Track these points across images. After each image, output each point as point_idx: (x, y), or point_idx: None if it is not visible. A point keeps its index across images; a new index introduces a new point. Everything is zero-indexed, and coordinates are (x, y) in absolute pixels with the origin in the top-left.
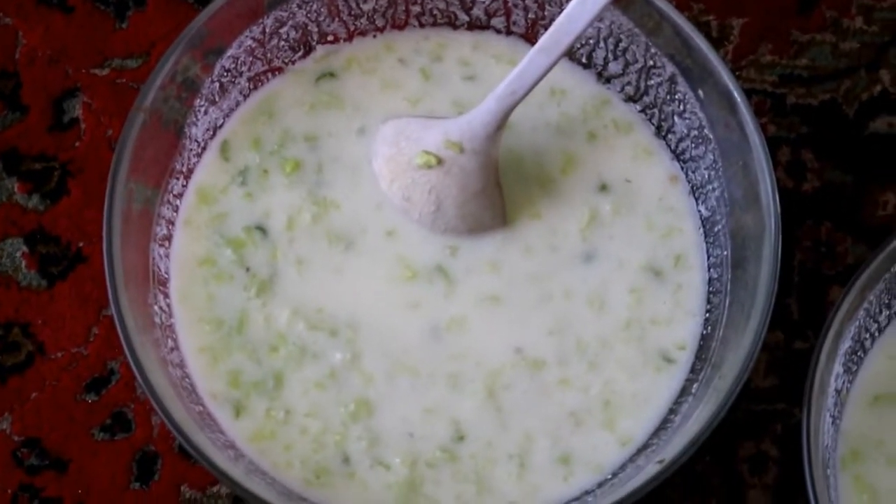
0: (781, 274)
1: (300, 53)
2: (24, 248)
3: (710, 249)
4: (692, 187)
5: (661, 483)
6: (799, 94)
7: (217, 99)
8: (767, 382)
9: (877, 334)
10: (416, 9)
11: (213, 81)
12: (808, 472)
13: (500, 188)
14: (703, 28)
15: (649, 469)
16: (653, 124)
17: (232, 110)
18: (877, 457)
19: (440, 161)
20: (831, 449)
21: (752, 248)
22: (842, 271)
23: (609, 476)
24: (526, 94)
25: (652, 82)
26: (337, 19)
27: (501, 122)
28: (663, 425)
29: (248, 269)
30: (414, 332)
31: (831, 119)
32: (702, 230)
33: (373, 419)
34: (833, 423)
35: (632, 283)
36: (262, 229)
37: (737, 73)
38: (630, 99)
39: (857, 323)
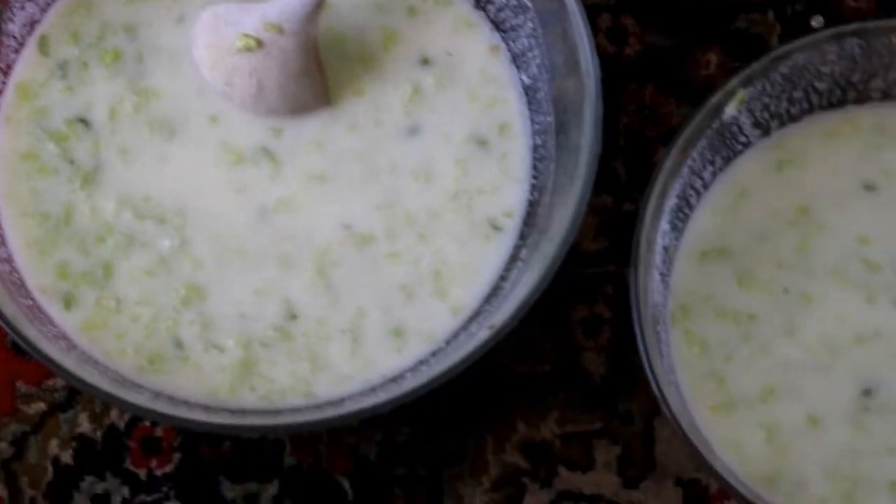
0: (607, 138)
1: None
2: None
3: (534, 117)
4: (513, 56)
5: (495, 349)
6: None
7: None
8: (597, 245)
9: (702, 190)
10: None
11: None
12: (638, 330)
13: (321, 68)
14: None
15: (481, 335)
16: None
17: (49, 5)
18: (705, 311)
19: (260, 43)
20: (661, 306)
21: (574, 112)
22: (666, 132)
23: (443, 345)
24: None
25: None
26: None
27: (320, 1)
28: (494, 292)
29: (72, 162)
30: (242, 215)
31: None
32: (525, 98)
33: (204, 303)
34: (662, 280)
35: (457, 154)
36: (84, 121)
37: None
38: None
39: (682, 180)
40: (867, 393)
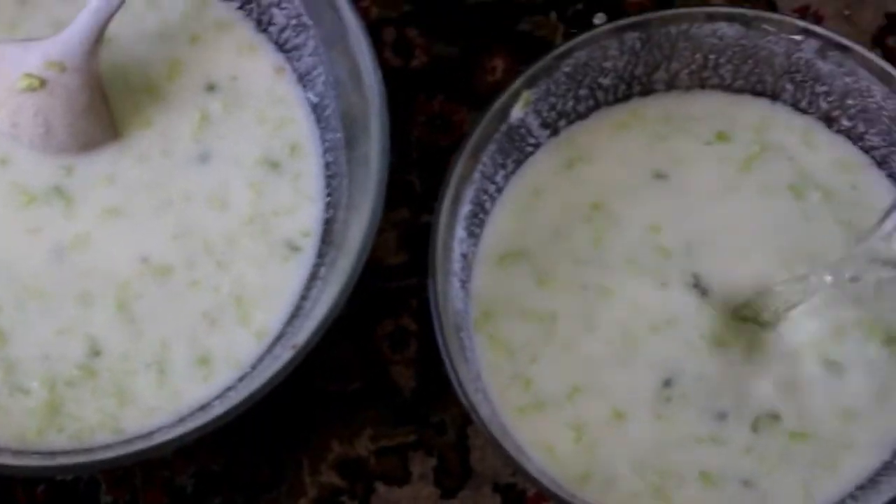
0: (400, 151)
1: None
2: None
3: (324, 134)
4: (299, 76)
5: (305, 370)
6: None
7: None
8: (399, 259)
9: (496, 195)
10: None
11: None
12: (440, 339)
13: (106, 102)
14: None
15: (284, 356)
16: (253, 19)
17: None
18: (508, 314)
19: (43, 82)
20: (464, 312)
21: (361, 127)
22: (459, 141)
23: (249, 370)
24: (119, 4)
25: None
26: None
27: (98, 36)
28: (296, 312)
29: None
30: (38, 256)
31: None
32: (313, 117)
33: (6, 347)
34: (462, 287)
35: (250, 178)
36: None
37: None
38: None
39: (475, 186)
40: (667, 383)
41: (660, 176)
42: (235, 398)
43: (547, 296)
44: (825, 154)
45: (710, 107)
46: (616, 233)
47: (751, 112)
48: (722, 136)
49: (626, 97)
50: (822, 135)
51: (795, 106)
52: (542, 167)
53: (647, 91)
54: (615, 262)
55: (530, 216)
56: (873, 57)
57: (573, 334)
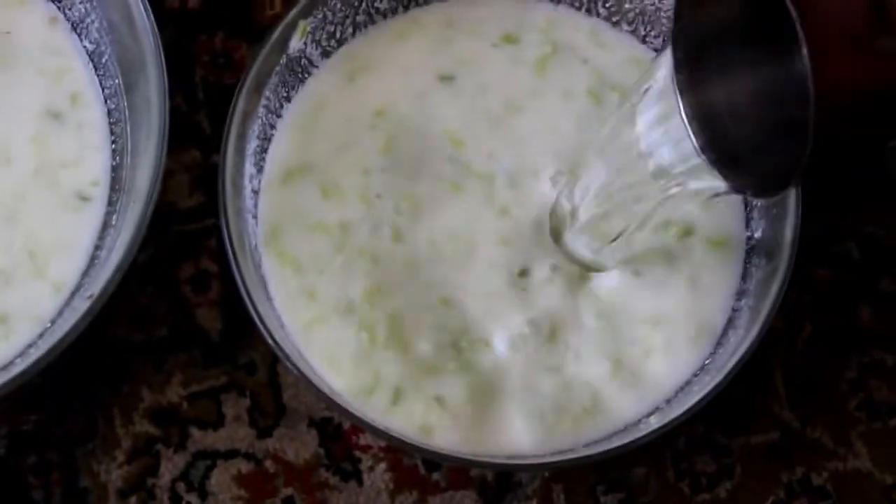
0: (185, 92)
1: None
2: None
3: (103, 81)
4: (73, 24)
5: (109, 321)
6: None
7: None
8: (194, 201)
9: (278, 121)
10: None
11: None
12: (238, 278)
13: None
14: None
15: (82, 307)
16: None
17: None
18: (295, 229)
19: None
20: (254, 237)
21: (139, 70)
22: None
23: (48, 324)
24: None
25: None
26: None
27: None
28: (92, 263)
29: None
30: None
31: None
32: (91, 65)
33: None
34: (254, 219)
35: (33, 132)
36: None
37: None
38: None
39: (260, 120)
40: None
41: (446, 77)
42: (36, 354)
43: (335, 207)
44: (616, 53)
45: (494, 11)
46: (406, 138)
47: (536, 14)
48: (510, 38)
49: (406, 9)
50: (610, 33)
51: (578, 9)
52: (323, 85)
53: (427, 2)
54: (408, 168)
55: (314, 133)
56: None
57: (367, 242)
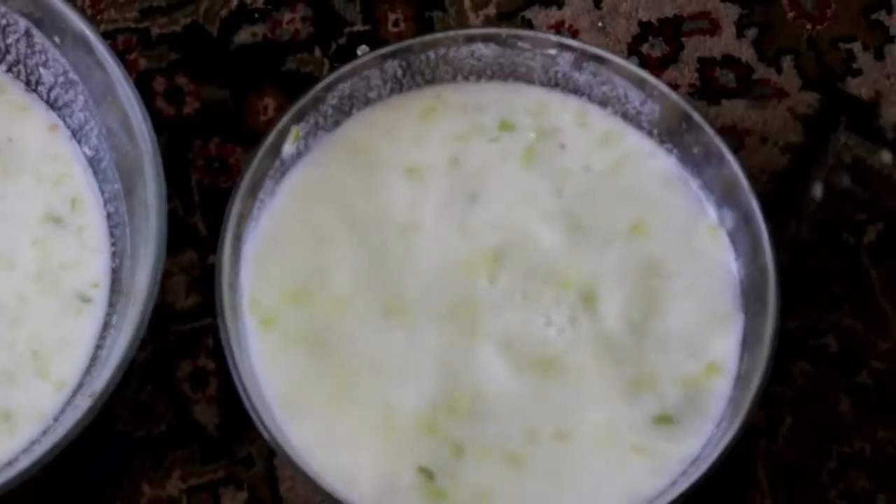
0: (181, 196)
1: None
2: None
3: (103, 186)
4: (72, 132)
5: (111, 418)
6: (162, 24)
7: None
8: (191, 301)
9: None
10: None
11: None
12: (235, 375)
13: None
14: None
15: (84, 405)
16: (22, 80)
17: None
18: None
19: None
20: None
21: (137, 175)
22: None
23: (51, 422)
24: None
25: (10, 40)
26: None
27: None
28: (93, 362)
29: None
30: None
31: (198, 41)
32: (91, 170)
33: None
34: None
35: (34, 236)
36: None
37: (96, 17)
38: None
39: (255, 223)
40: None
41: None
42: (40, 450)
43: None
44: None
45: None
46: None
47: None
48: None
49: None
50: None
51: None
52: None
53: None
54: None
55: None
56: (626, 63)
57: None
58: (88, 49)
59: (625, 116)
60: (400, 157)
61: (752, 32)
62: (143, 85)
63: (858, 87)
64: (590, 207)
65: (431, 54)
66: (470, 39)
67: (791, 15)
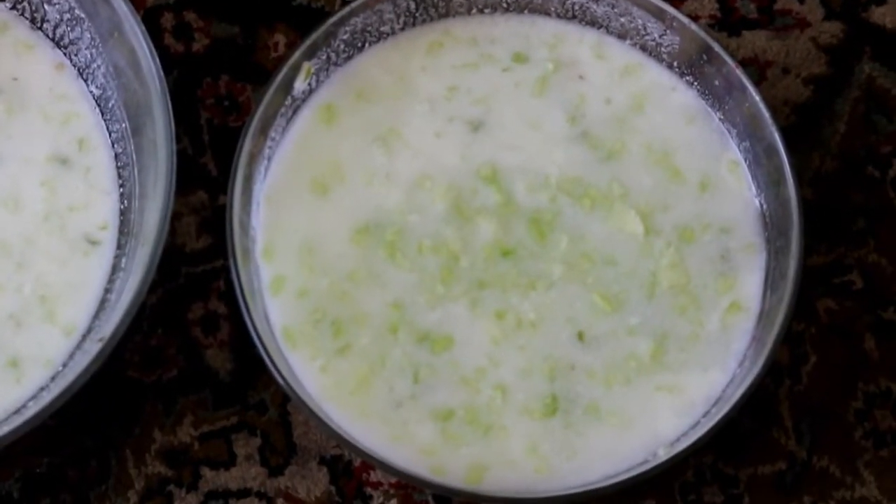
0: (191, 135)
1: None
2: None
3: (110, 126)
4: (79, 70)
5: (121, 363)
6: None
7: None
8: (202, 243)
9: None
10: None
11: None
12: (249, 322)
13: None
14: None
15: (93, 349)
16: (27, 18)
17: None
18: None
19: None
20: (263, 277)
21: (146, 114)
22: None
23: (60, 368)
24: None
25: None
26: None
27: None
28: (102, 306)
29: None
30: None
31: None
32: (98, 109)
33: None
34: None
35: (41, 177)
36: None
37: None
38: None
39: (266, 162)
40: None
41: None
42: (48, 397)
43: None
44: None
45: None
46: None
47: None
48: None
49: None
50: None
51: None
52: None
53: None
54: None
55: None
56: None
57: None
58: None
59: (644, 49)
60: (404, 90)
61: None
62: (150, 21)
63: (883, 16)
64: (610, 133)
65: None
66: None
67: None
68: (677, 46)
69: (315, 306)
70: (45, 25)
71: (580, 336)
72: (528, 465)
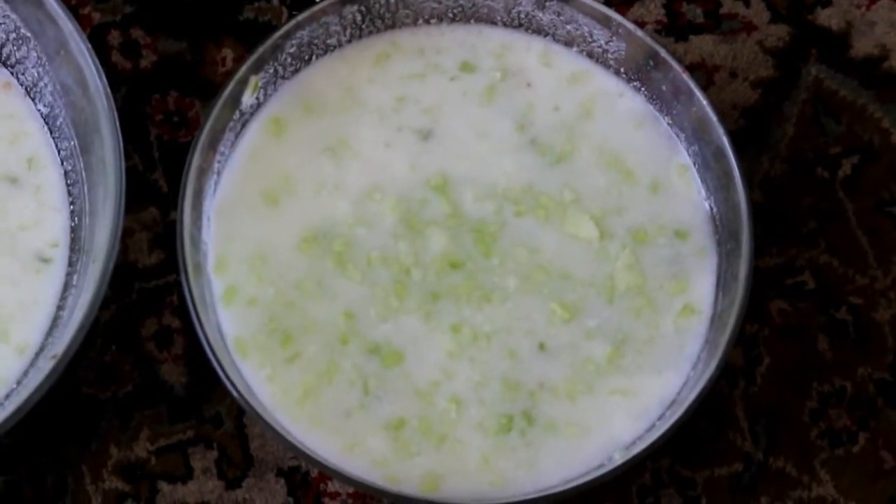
0: (141, 151)
1: None
2: None
3: (59, 144)
4: (26, 89)
5: (76, 381)
6: None
7: None
8: (154, 259)
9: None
10: None
11: None
12: (201, 335)
13: None
14: None
15: (46, 367)
16: None
17: None
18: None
19: None
20: (210, 293)
21: (94, 132)
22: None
23: (14, 385)
24: None
25: None
26: None
27: None
28: (55, 323)
29: None
30: None
31: None
32: (46, 128)
33: None
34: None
35: None
36: None
37: None
38: None
39: (216, 177)
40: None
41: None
42: (2, 416)
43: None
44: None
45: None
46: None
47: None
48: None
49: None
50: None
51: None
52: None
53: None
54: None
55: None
56: (590, 1)
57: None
58: (39, 4)
59: (591, 56)
60: (352, 101)
61: None
62: (97, 39)
63: (829, 18)
64: (559, 140)
65: None
66: None
67: None
68: (624, 53)
69: (265, 315)
70: None
71: (541, 347)
72: (483, 477)
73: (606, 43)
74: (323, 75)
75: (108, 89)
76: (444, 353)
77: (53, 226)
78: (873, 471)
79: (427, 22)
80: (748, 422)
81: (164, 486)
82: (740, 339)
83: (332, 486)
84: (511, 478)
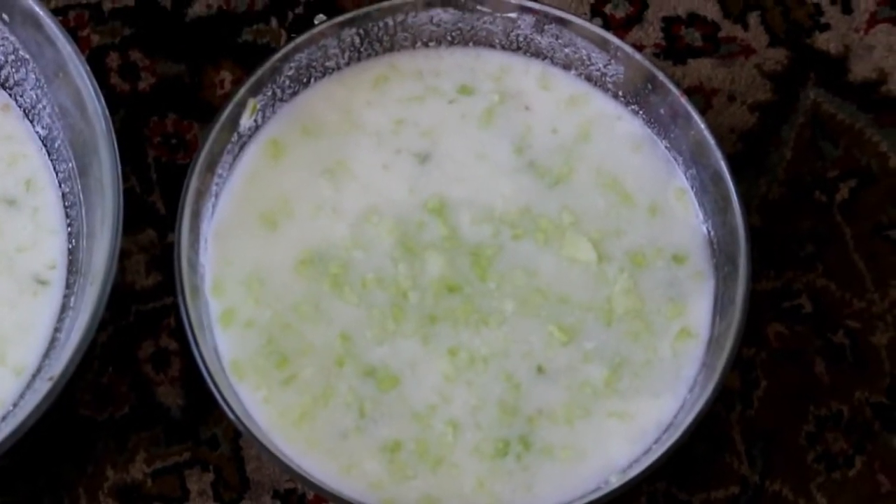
0: (139, 173)
1: None
2: None
3: (57, 166)
4: (24, 111)
5: (73, 403)
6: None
7: None
8: (151, 281)
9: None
10: None
11: None
12: (198, 357)
13: None
14: None
15: (43, 389)
16: None
17: None
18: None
19: None
20: (208, 315)
21: (92, 154)
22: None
23: (11, 408)
24: None
25: None
26: None
27: None
28: (52, 345)
29: None
30: None
31: (151, 15)
32: (44, 150)
33: None
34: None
35: None
36: None
37: None
38: None
39: (213, 199)
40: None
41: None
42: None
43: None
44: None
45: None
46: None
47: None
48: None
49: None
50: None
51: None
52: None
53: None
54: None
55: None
56: (588, 25)
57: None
58: (38, 26)
59: (589, 79)
60: (351, 124)
61: None
62: (96, 62)
63: (827, 41)
64: (557, 163)
65: (389, 21)
66: (429, 4)
67: None
68: (622, 76)
69: (262, 338)
70: None
71: (539, 370)
72: (479, 501)
73: (605, 66)
74: (321, 98)
75: (107, 111)
76: (440, 377)
77: (51, 248)
78: (870, 495)
79: (425, 45)
80: (745, 445)
81: None
82: (737, 363)
83: None
84: (507, 501)
